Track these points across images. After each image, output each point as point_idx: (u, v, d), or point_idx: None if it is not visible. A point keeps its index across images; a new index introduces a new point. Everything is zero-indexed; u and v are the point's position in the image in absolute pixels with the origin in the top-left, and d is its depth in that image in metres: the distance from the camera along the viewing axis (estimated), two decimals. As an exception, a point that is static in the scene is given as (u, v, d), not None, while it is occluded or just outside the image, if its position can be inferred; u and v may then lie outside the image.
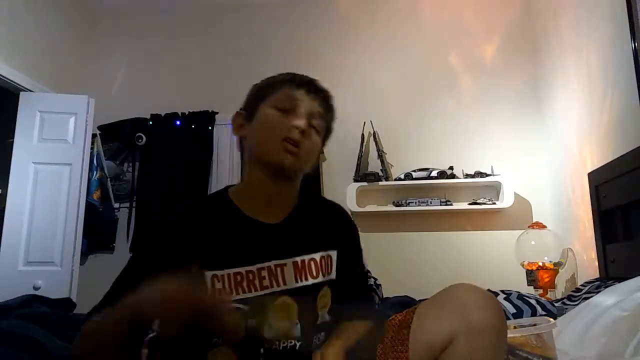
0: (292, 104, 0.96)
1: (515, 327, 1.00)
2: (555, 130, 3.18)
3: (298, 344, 0.89)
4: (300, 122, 0.94)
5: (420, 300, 2.19)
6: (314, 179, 3.50)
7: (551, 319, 0.96)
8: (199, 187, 3.56)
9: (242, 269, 0.89)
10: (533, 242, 2.91)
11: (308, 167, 0.98)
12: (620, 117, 2.27)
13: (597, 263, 2.42)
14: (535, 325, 1.05)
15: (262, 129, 0.96)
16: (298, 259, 0.93)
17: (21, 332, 1.28)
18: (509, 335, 0.93)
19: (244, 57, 3.83)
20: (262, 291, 0.89)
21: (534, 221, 3.06)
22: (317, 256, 0.95)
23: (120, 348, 0.74)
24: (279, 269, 0.91)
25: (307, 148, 0.95)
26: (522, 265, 2.89)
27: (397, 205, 3.37)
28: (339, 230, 1.03)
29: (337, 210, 1.08)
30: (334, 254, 0.98)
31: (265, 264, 0.90)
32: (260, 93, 1.01)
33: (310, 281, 0.93)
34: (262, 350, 0.88)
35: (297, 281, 0.91)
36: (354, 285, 1.01)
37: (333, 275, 0.97)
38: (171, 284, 0.70)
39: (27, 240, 3.18)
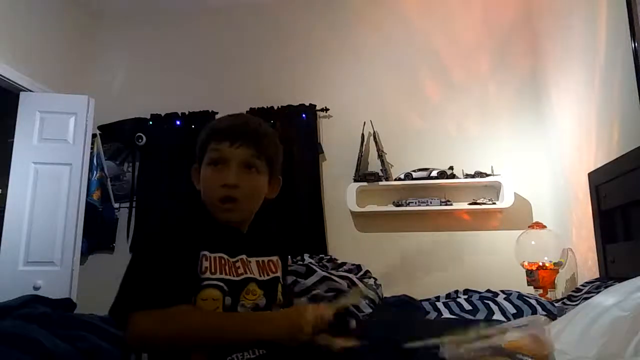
0: (220, 159, 1.06)
1: (511, 330, 0.99)
2: (555, 130, 3.18)
3: None
4: (231, 180, 1.04)
5: (420, 300, 2.20)
6: (314, 179, 3.51)
7: (547, 318, 0.95)
8: (199, 187, 3.56)
9: (225, 255, 1.04)
10: (533, 242, 2.91)
11: (254, 206, 1.12)
12: (620, 117, 2.27)
13: (597, 263, 2.42)
14: (527, 325, 1.04)
15: (204, 190, 1.08)
16: (259, 259, 1.12)
17: (21, 333, 1.28)
18: (506, 338, 0.93)
19: (244, 57, 3.83)
20: (239, 277, 1.04)
21: (534, 221, 3.06)
22: (267, 259, 1.15)
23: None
24: (248, 263, 1.09)
25: (245, 195, 1.07)
26: (522, 265, 2.89)
27: (397, 205, 3.37)
28: (278, 241, 1.24)
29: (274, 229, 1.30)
30: (275, 258, 1.17)
31: (239, 257, 1.07)
32: (200, 147, 1.11)
33: (269, 277, 1.12)
34: None
35: (261, 275, 1.10)
36: None
37: (278, 274, 1.16)
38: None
39: (27, 240, 3.19)
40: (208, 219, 1.07)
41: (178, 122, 3.75)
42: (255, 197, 1.10)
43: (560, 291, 2.89)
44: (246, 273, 1.06)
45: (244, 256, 1.08)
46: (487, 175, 3.28)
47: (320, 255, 2.71)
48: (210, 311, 0.97)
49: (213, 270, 1.00)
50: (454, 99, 3.56)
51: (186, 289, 0.96)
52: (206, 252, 1.01)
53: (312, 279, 2.12)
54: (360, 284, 1.19)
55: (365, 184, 3.38)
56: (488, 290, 2.30)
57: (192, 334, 0.91)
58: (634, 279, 1.39)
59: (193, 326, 0.92)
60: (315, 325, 0.95)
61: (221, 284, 1.00)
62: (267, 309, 1.08)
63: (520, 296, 2.08)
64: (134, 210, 3.70)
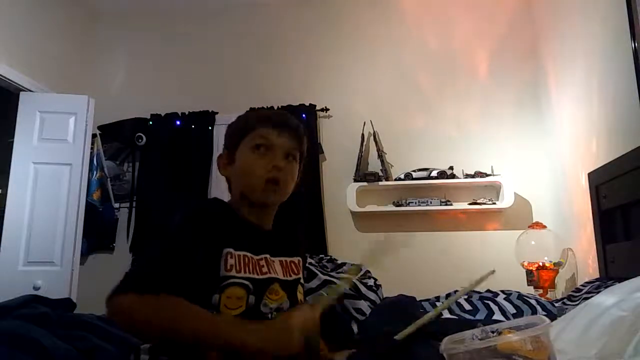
0: (269, 144, 1.10)
1: (509, 331, 0.99)
2: (555, 130, 3.18)
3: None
4: (280, 163, 1.09)
5: (420, 300, 2.19)
6: (314, 179, 3.51)
7: (546, 319, 0.95)
8: (199, 187, 3.56)
9: (248, 253, 1.04)
10: (533, 242, 2.91)
11: (289, 193, 1.15)
12: (620, 117, 2.27)
13: (597, 263, 2.42)
14: (526, 325, 1.04)
15: (245, 171, 1.11)
16: (282, 259, 1.13)
17: (21, 332, 1.28)
18: (504, 341, 0.92)
19: (244, 57, 3.83)
20: (263, 276, 1.05)
21: (534, 221, 3.06)
22: (290, 260, 1.16)
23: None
24: (272, 262, 1.10)
25: (286, 180, 1.11)
26: (522, 265, 2.89)
27: (397, 205, 3.37)
28: (300, 242, 1.26)
29: (299, 226, 1.30)
30: (297, 259, 1.19)
31: (262, 256, 1.08)
32: (239, 133, 1.14)
33: (291, 278, 1.13)
34: None
35: (284, 276, 1.11)
36: None
37: (300, 275, 1.18)
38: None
39: (27, 240, 3.19)
40: (232, 216, 1.08)
41: (178, 122, 3.75)
42: (291, 184, 1.15)
43: (560, 291, 2.89)
44: (270, 272, 1.07)
45: (267, 255, 1.09)
46: (487, 175, 3.29)
47: (320, 256, 2.71)
48: (201, 311, 0.92)
49: (238, 269, 1.00)
50: (454, 99, 3.55)
51: (190, 283, 0.94)
52: (231, 250, 1.01)
53: (315, 282, 2.11)
54: (340, 281, 1.25)
55: (365, 184, 3.38)
56: (488, 290, 2.29)
57: (175, 328, 0.89)
58: (634, 279, 1.39)
59: (177, 322, 0.90)
60: (305, 330, 0.95)
61: (246, 282, 1.00)
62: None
63: (520, 296, 2.08)
64: (134, 210, 3.70)
